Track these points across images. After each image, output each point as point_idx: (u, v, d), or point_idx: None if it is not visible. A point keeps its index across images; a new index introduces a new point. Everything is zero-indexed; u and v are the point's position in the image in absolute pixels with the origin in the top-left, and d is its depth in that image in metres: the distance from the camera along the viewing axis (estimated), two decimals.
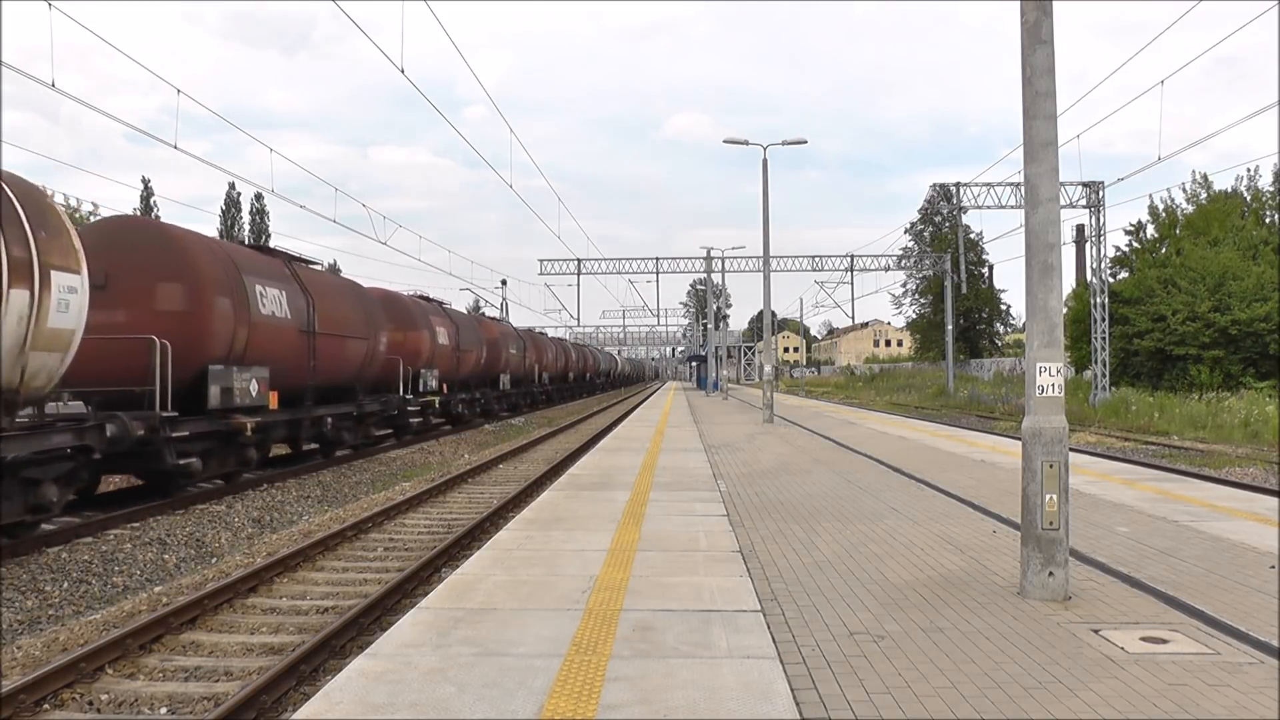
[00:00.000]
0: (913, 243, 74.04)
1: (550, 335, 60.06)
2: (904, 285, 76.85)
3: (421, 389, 25.47)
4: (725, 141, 27.46)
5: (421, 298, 29.21)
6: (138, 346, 13.01)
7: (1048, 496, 5.72)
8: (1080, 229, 46.24)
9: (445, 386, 28.23)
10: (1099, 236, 37.76)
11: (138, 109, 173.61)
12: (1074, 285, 45.38)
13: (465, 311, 40.10)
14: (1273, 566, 6.65)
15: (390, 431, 24.75)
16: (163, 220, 16.41)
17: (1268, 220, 46.71)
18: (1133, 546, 7.45)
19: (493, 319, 41.51)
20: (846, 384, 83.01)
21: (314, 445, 20.00)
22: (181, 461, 13.37)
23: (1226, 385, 34.57)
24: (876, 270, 53.83)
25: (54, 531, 11.19)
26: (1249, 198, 48.57)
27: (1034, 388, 5.87)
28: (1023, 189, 6.46)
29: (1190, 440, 25.13)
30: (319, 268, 21.41)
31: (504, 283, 74.18)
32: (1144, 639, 4.96)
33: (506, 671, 4.40)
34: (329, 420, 19.12)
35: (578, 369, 62.95)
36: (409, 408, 23.83)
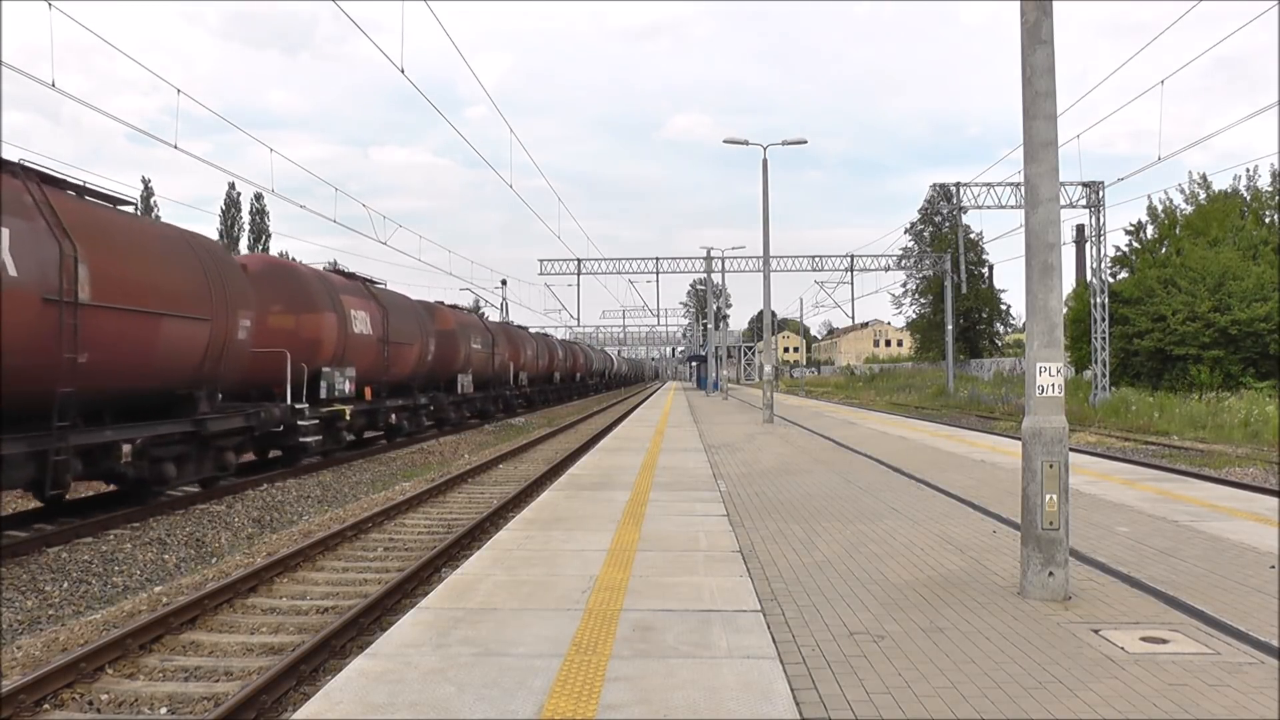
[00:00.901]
0: (913, 243, 74.06)
1: (534, 331, 52.88)
2: (904, 285, 76.91)
3: (327, 394, 18.82)
4: (725, 141, 27.49)
5: (338, 271, 22.47)
6: None
7: (1048, 496, 5.72)
8: (1080, 229, 46.30)
9: (370, 390, 21.74)
10: (1099, 236, 37.77)
11: (139, 109, 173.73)
12: (1074, 285, 45.41)
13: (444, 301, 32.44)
14: (1273, 566, 6.65)
15: (280, 455, 18.49)
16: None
17: (1267, 220, 46.71)
18: (1133, 546, 7.45)
19: (453, 306, 32.15)
20: (846, 384, 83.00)
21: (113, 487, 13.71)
22: None
23: (1226, 385, 34.56)
24: (876, 270, 53.85)
25: (54, 531, 11.19)
26: (1248, 197, 48.57)
27: (1034, 388, 5.87)
28: (1023, 189, 6.47)
29: (1190, 440, 25.13)
30: (132, 210, 14.14)
31: (504, 283, 74.39)
32: (1144, 639, 4.96)
33: (506, 671, 4.40)
34: (124, 447, 12.76)
35: (565, 368, 56.15)
36: (302, 422, 17.24)
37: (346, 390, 19.88)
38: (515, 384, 39.32)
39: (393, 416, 23.56)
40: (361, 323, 20.96)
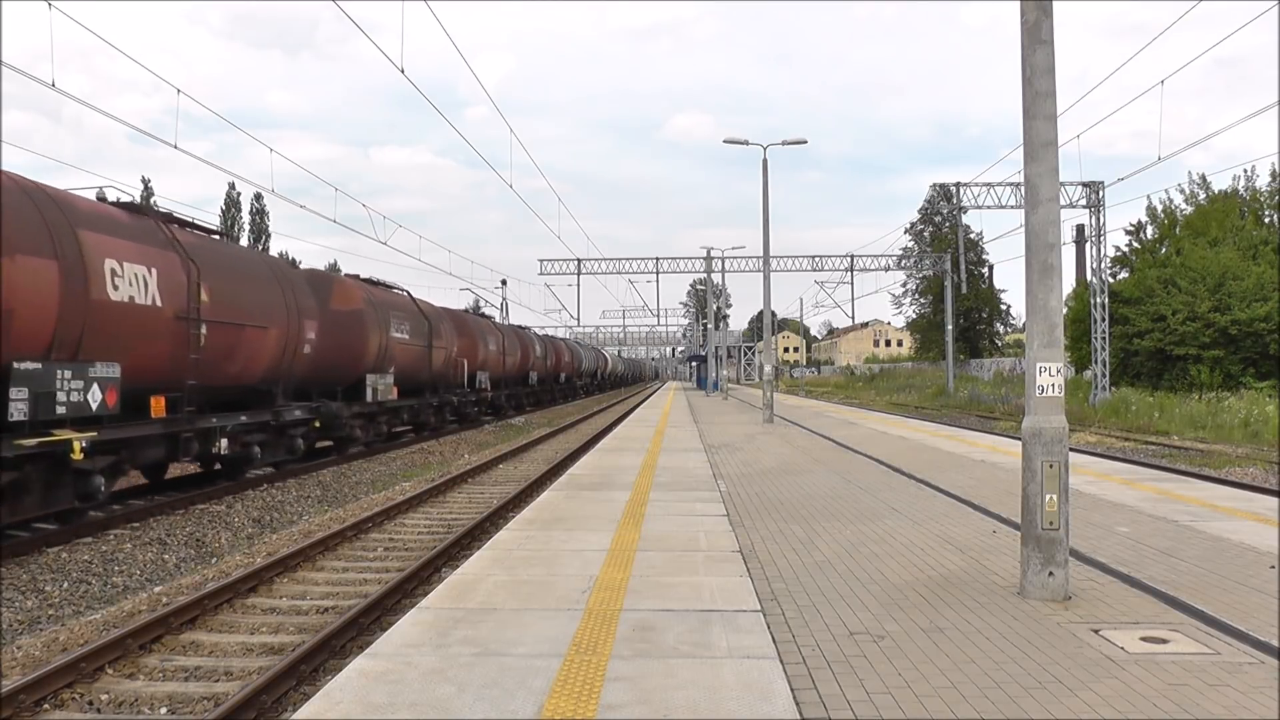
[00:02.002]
0: (913, 243, 74.16)
1: (508, 324, 44.99)
2: (904, 285, 77.05)
3: (34, 413, 10.30)
4: (725, 141, 27.49)
5: (119, 205, 13.37)
6: None
7: (1048, 496, 5.72)
8: (1080, 229, 46.31)
9: (163, 401, 12.98)
10: (1099, 236, 37.78)
11: (141, 109, 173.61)
12: (1074, 285, 45.42)
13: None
14: (1273, 566, 6.65)
15: None
16: None
17: (1267, 220, 46.73)
18: (1133, 546, 7.45)
19: (370, 280, 23.63)
20: (846, 384, 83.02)
21: None
22: None
23: (1226, 385, 34.56)
24: (876, 270, 53.91)
25: (54, 531, 11.19)
26: (1246, 198, 48.60)
27: (1034, 388, 5.88)
28: (1023, 189, 6.47)
29: (1190, 440, 25.13)
30: None
31: (504, 283, 74.33)
32: (1144, 639, 4.96)
33: (506, 671, 4.40)
34: None
35: (546, 368, 47.49)
36: None
37: (92, 403, 11.27)
38: (472, 386, 31.32)
39: (223, 443, 14.55)
40: (136, 284, 12.17)
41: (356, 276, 23.18)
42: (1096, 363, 37.00)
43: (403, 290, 25.85)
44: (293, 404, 17.60)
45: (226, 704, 5.66)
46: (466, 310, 36.54)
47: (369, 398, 21.26)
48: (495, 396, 35.43)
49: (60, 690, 6.16)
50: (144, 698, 6.14)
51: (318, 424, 18.64)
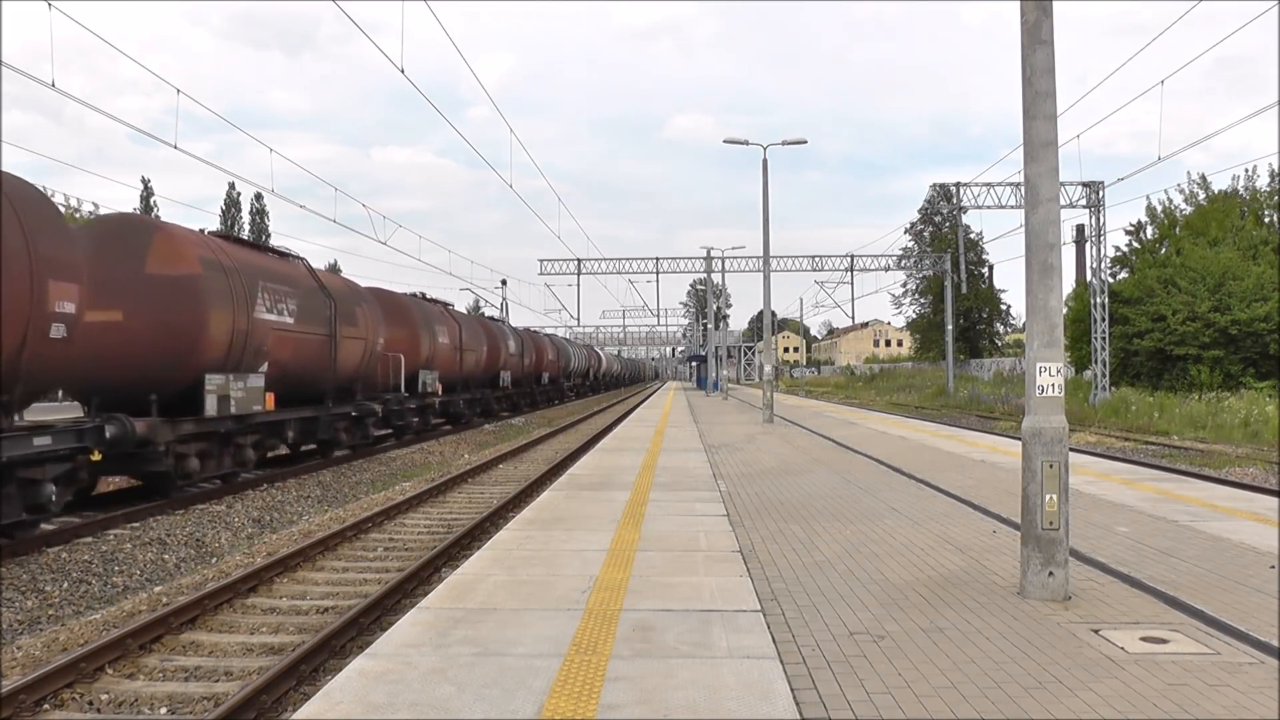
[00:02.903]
0: (913, 243, 74.19)
1: (461, 314, 34.09)
2: (904, 285, 77.07)
3: None
4: (725, 141, 27.50)
5: None
6: None
7: (1048, 496, 5.72)
8: (1080, 229, 46.30)
9: None
10: (1099, 236, 37.78)
11: (143, 109, 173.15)
12: (1074, 285, 45.40)
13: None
14: (1273, 566, 6.65)
15: None
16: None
17: (1267, 220, 46.71)
18: (1133, 546, 7.45)
19: (239, 240, 17.76)
20: (846, 384, 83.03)
21: None
22: None
23: (1226, 385, 34.56)
24: (876, 270, 53.95)
25: (54, 531, 11.19)
26: (1246, 198, 48.58)
27: (1034, 388, 5.88)
28: (1023, 189, 6.47)
29: (1190, 440, 25.13)
30: None
31: (504, 283, 74.13)
32: (1144, 639, 4.96)
33: (506, 671, 4.40)
34: None
35: (522, 367, 40.26)
36: None
37: None
38: (418, 390, 25.32)
39: None
40: None
41: (228, 235, 17.61)
42: (1096, 363, 37.00)
43: (299, 258, 19.08)
44: (34, 427, 10.95)
45: (226, 704, 5.66)
46: (418, 295, 28.63)
47: (211, 410, 14.14)
48: (451, 402, 29.11)
49: (60, 690, 6.16)
50: (144, 698, 6.14)
51: (96, 456, 11.95)
